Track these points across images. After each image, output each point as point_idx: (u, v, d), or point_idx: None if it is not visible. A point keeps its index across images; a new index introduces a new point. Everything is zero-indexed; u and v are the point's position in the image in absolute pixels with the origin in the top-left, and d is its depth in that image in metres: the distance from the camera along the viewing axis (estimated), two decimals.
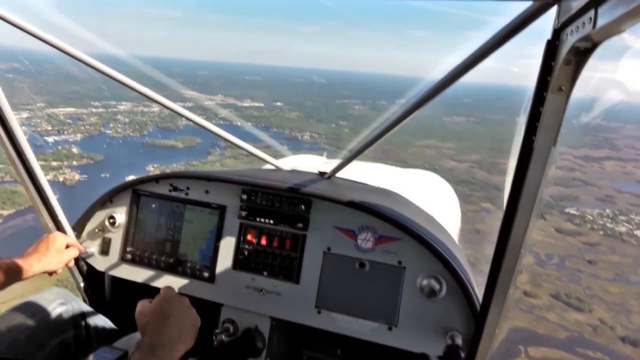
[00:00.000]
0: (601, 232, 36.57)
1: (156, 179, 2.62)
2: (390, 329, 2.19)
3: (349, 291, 2.27)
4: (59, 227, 2.55)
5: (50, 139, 45.72)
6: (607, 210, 39.21)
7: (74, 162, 43.25)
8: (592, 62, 1.14)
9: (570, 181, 43.89)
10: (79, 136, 50.08)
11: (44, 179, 2.40)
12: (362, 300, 2.24)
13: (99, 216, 2.70)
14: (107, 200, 2.69)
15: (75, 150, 46.11)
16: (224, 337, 2.47)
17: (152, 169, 40.54)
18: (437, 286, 2.11)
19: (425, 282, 2.13)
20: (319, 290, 2.31)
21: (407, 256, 2.21)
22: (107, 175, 38.22)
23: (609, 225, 37.14)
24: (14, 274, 2.05)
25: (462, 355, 1.95)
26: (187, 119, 2.43)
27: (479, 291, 2.08)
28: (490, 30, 1.40)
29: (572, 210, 39.54)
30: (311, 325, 2.32)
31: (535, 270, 30.60)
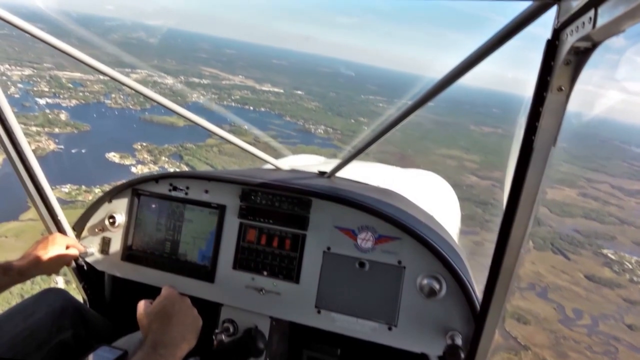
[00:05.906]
0: None
1: (156, 178, 2.63)
2: (390, 328, 2.19)
3: (348, 291, 2.27)
4: (59, 228, 2.57)
5: (42, 101, 42.65)
6: None
7: (56, 130, 39.74)
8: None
9: (605, 216, 38.57)
10: (73, 102, 46.68)
11: (44, 180, 2.43)
12: (362, 300, 2.24)
13: (99, 216, 2.69)
14: (107, 199, 2.69)
15: (63, 116, 42.70)
16: (224, 337, 2.45)
17: (140, 147, 37.29)
18: (437, 286, 2.10)
19: (425, 281, 2.13)
20: (318, 290, 2.31)
21: (407, 256, 2.20)
22: (83, 151, 34.66)
23: None
24: (14, 277, 2.08)
25: (462, 355, 1.95)
26: (183, 116, 2.47)
27: (479, 291, 2.06)
28: (491, 30, 1.44)
29: (609, 253, 33.95)
30: (311, 325, 2.32)
31: (559, 330, 24.87)
